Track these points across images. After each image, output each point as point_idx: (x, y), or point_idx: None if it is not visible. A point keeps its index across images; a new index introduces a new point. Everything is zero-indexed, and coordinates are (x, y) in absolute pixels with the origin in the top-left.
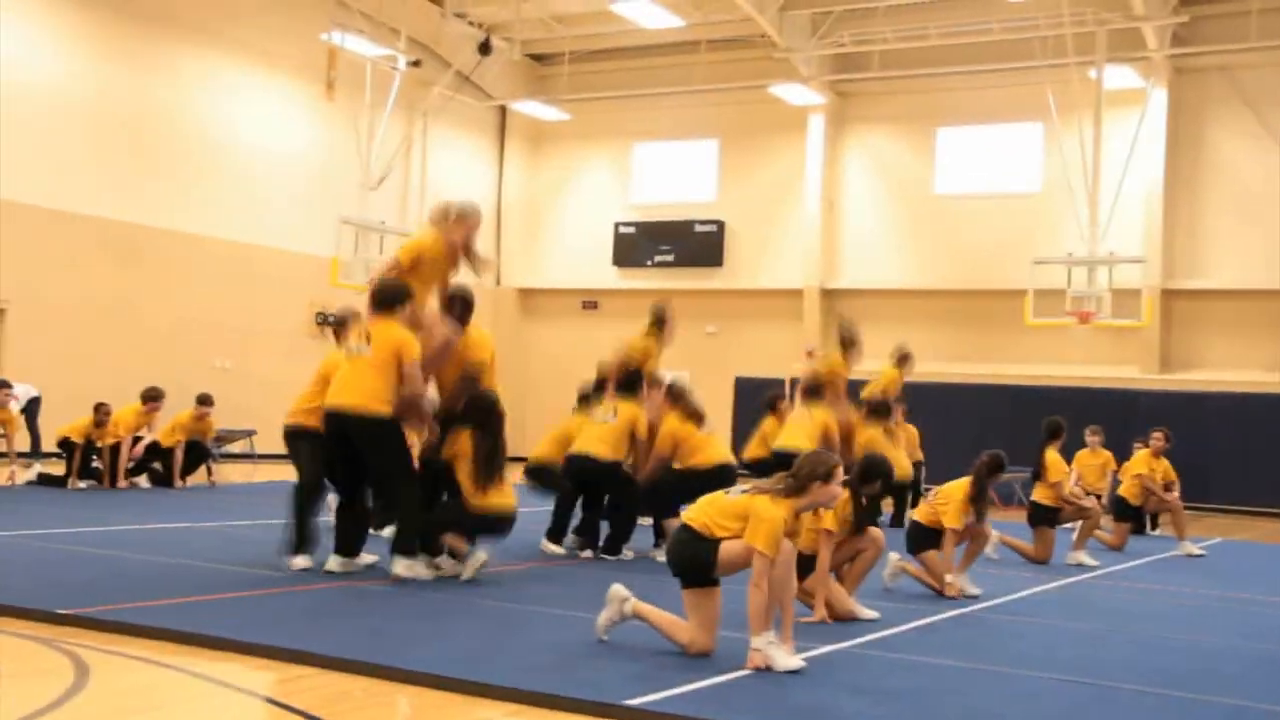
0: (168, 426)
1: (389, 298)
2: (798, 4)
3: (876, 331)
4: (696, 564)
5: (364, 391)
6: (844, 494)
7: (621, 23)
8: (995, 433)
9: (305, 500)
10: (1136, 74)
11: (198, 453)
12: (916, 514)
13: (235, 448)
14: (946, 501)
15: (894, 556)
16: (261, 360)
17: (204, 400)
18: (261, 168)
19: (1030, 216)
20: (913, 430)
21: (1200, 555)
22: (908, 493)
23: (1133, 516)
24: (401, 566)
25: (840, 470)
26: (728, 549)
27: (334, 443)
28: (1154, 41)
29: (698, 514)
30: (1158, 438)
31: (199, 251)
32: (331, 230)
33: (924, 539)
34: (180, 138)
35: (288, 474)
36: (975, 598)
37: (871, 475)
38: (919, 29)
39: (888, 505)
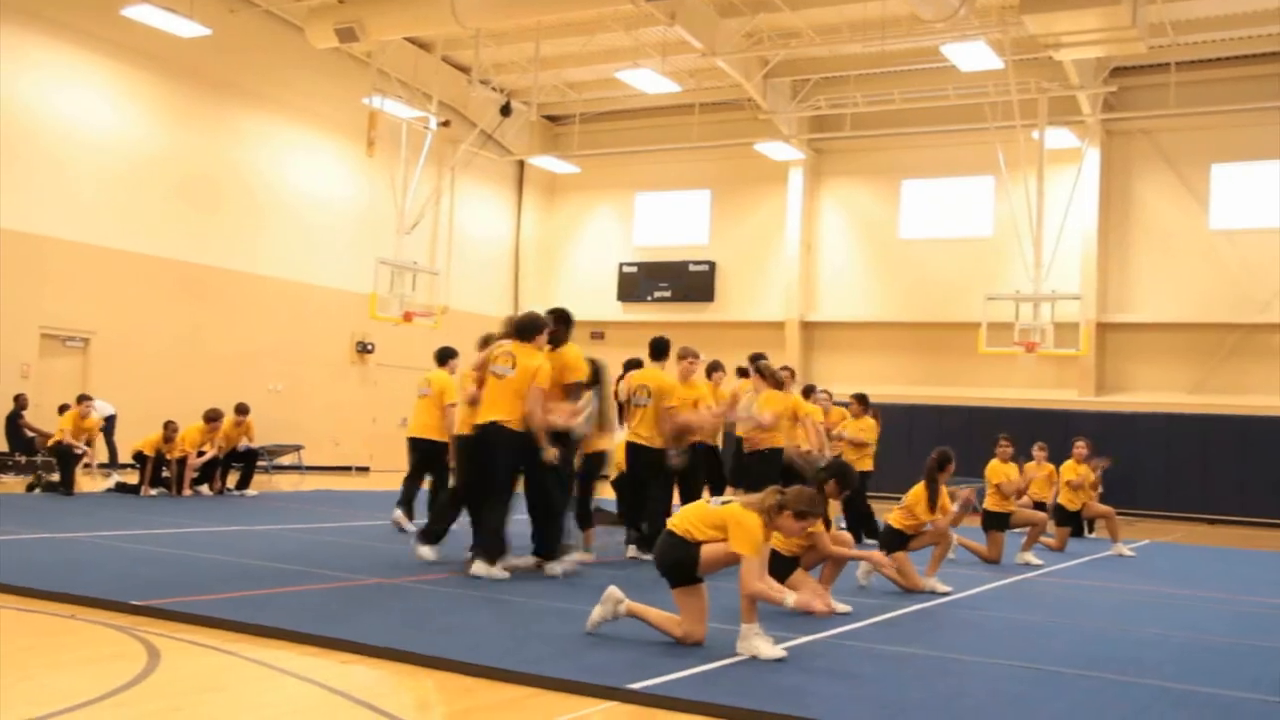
0: (218, 436)
1: (528, 327)
2: (780, 72)
3: (849, 358)
4: (681, 565)
5: (505, 408)
6: (810, 525)
7: (626, 88)
8: (953, 447)
9: (468, 501)
10: (1073, 135)
11: (250, 460)
12: (890, 518)
13: (285, 460)
14: (916, 502)
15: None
16: (309, 384)
17: (241, 409)
18: (311, 215)
19: (983, 258)
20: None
21: (1131, 556)
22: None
23: (1071, 521)
24: (480, 567)
25: (816, 518)
26: (709, 551)
27: (478, 451)
28: (1088, 108)
29: (680, 521)
30: (1080, 446)
31: (257, 289)
32: (370, 269)
33: (896, 540)
34: (243, 190)
35: (332, 483)
36: (947, 594)
37: (845, 483)
38: (885, 95)
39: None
